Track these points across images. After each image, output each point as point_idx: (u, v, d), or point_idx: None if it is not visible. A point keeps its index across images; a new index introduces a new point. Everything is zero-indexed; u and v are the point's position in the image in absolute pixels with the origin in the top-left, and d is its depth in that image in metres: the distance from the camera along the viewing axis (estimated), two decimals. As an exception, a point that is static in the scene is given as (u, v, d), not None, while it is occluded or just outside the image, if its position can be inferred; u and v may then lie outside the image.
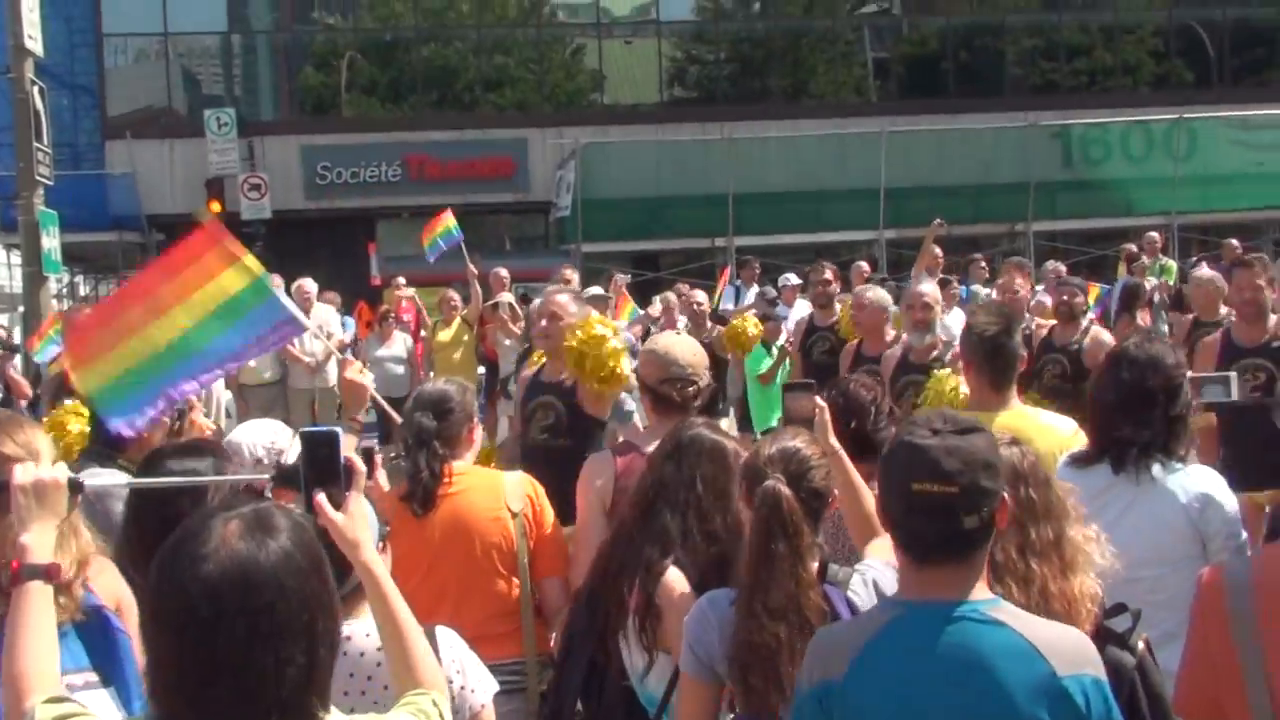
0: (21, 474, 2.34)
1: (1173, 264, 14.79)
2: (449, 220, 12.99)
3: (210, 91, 28.92)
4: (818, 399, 3.53)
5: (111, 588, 3.08)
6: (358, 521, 2.41)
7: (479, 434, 4.42)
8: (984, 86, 28.27)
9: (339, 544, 2.36)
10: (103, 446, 4.08)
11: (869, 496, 3.37)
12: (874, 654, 2.39)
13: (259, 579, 1.89)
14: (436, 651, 2.88)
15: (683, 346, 4.40)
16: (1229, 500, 3.71)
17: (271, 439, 4.05)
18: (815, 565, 2.94)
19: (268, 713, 1.91)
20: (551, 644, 4.05)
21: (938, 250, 11.42)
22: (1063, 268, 13.96)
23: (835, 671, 2.42)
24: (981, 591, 2.41)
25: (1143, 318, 11.05)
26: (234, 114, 25.00)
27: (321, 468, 2.38)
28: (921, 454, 2.35)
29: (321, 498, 2.36)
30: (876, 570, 3.10)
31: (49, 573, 2.26)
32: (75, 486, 2.39)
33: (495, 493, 4.18)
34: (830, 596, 2.91)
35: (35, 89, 14.40)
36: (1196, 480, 3.74)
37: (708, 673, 2.93)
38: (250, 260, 3.80)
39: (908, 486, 2.35)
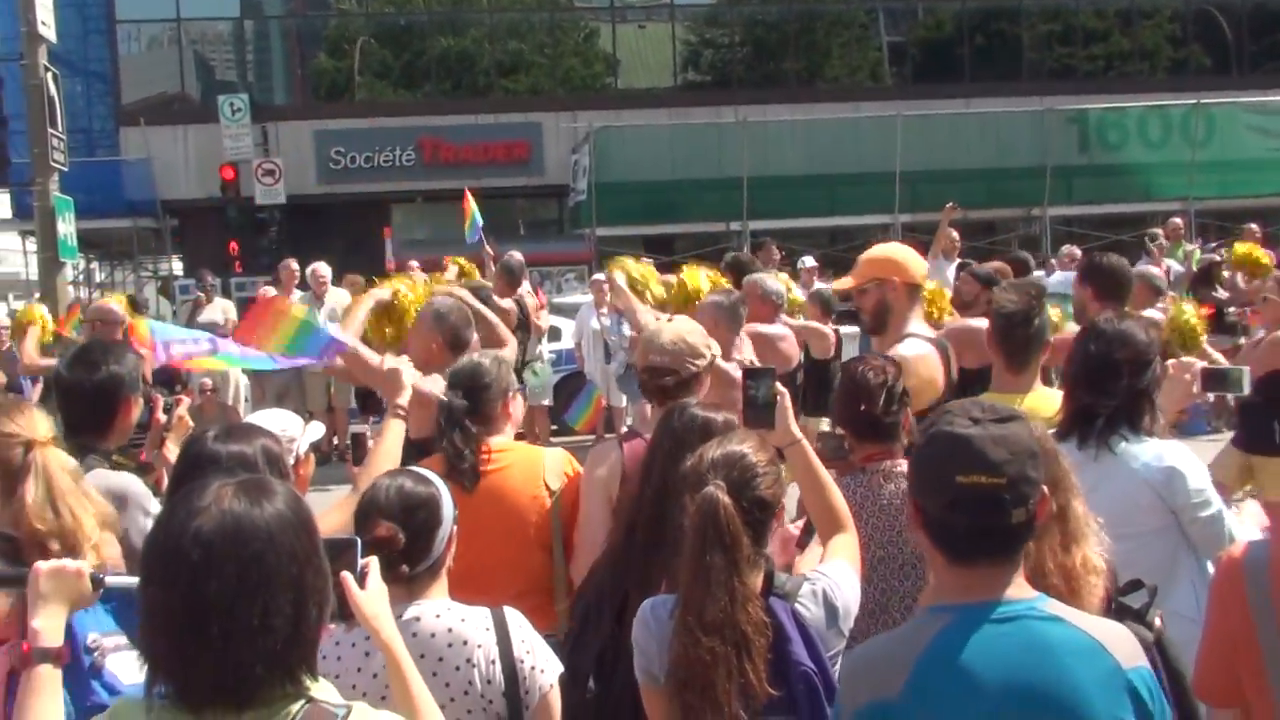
0: (44, 564, 2.44)
1: (1193, 248, 14.68)
2: (473, 203, 13.13)
3: (223, 77, 29.00)
4: (778, 384, 3.38)
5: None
6: (375, 599, 2.52)
7: (517, 407, 4.34)
8: (1000, 70, 28.12)
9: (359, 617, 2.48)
10: (82, 438, 3.97)
11: (833, 489, 3.27)
12: (932, 666, 2.25)
13: (250, 530, 1.97)
14: (505, 631, 2.94)
15: (669, 332, 4.26)
16: (1194, 470, 3.71)
17: (283, 428, 4.05)
18: (758, 577, 2.78)
19: (253, 664, 1.96)
20: None
21: (954, 233, 11.39)
22: (1078, 252, 13.92)
23: (887, 691, 2.27)
24: (1025, 589, 2.31)
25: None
26: (247, 99, 25.02)
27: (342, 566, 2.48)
28: (966, 444, 2.23)
29: (348, 576, 2.46)
30: (827, 580, 2.96)
31: (58, 656, 2.35)
32: (96, 582, 2.49)
33: (534, 470, 4.15)
34: (774, 610, 2.75)
35: (49, 75, 14.43)
36: (1158, 452, 3.72)
37: (654, 679, 2.84)
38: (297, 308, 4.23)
39: (950, 479, 2.22)
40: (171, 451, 4.20)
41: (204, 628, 1.94)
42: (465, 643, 2.91)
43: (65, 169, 14.88)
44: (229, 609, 1.94)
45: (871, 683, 2.33)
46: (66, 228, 14.60)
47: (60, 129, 14.76)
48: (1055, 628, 2.25)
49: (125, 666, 3.00)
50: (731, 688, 2.63)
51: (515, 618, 3.01)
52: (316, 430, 4.00)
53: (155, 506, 3.84)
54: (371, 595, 2.49)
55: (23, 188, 19.52)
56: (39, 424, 3.22)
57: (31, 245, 22.49)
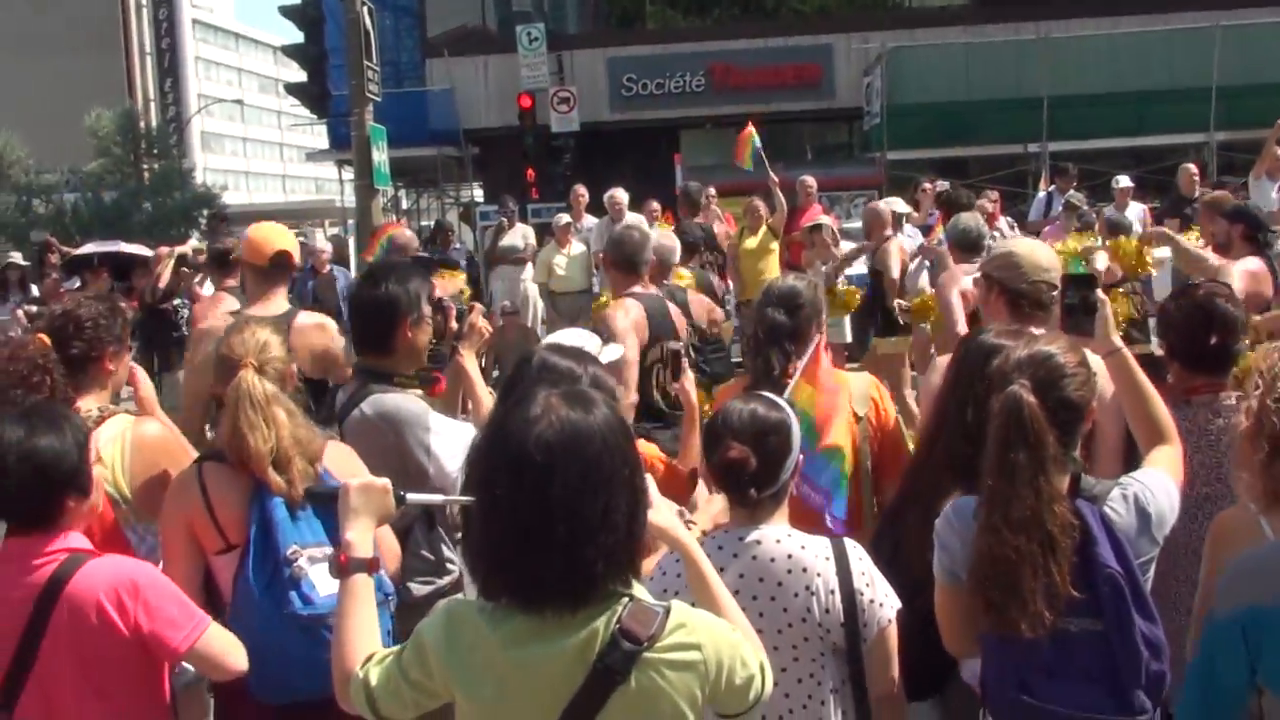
0: (354, 481, 2.59)
1: None
2: (753, 134, 13.11)
3: (520, 8, 29.64)
4: (1099, 292, 3.26)
5: (348, 467, 3.34)
6: (662, 512, 2.58)
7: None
8: (1335, -28, 25.80)
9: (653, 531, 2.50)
10: (366, 357, 4.10)
11: (1156, 400, 3.15)
12: None
13: (586, 434, 2.13)
14: (846, 562, 2.95)
15: (1043, 249, 4.22)
16: None
17: (582, 346, 4.14)
18: (1065, 479, 2.73)
19: (595, 561, 2.10)
20: None
21: (1279, 151, 10.59)
22: None
23: (1268, 597, 2.25)
24: None
25: None
26: (543, 29, 25.54)
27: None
28: None
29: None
30: (1140, 485, 2.86)
31: (370, 566, 2.49)
32: (399, 499, 2.62)
33: (841, 395, 4.08)
34: (1082, 512, 2.69)
35: (364, 9, 15.18)
36: None
37: (955, 578, 2.80)
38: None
39: None
40: (466, 358, 4.25)
41: (550, 528, 2.07)
42: (805, 570, 2.91)
43: (379, 99, 15.65)
44: (575, 509, 2.08)
45: (1254, 588, 2.31)
46: (380, 156, 15.40)
47: (375, 61, 15.52)
48: None
49: (325, 578, 3.17)
50: (1037, 586, 2.59)
51: (855, 549, 3.00)
52: (614, 351, 4.08)
53: (434, 422, 3.94)
54: (658, 509, 2.55)
55: (339, 118, 20.64)
56: (251, 344, 3.39)
57: (347, 174, 23.85)
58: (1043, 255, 4.09)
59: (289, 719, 3.24)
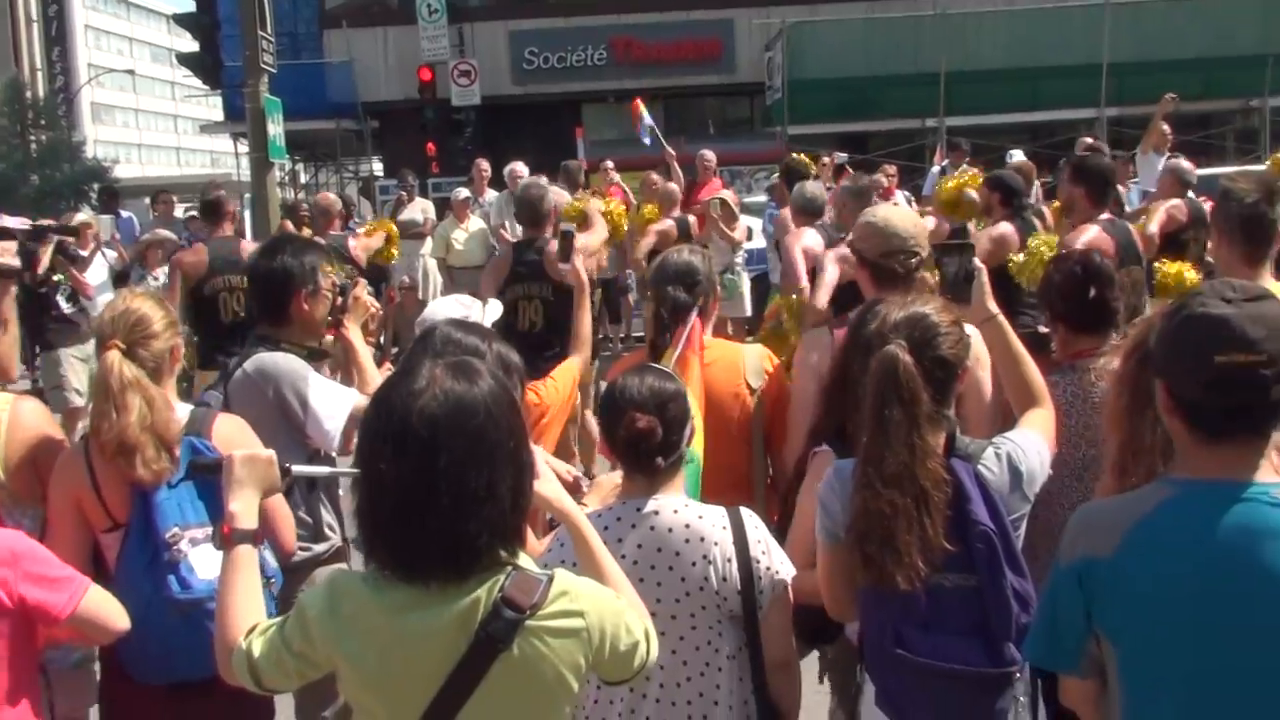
0: (239, 452, 2.57)
1: None
2: (642, 107, 13.34)
3: (421, -22, 29.35)
4: (975, 260, 3.32)
5: (237, 439, 3.30)
6: (547, 482, 2.61)
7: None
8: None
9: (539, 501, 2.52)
10: (262, 327, 4.12)
11: (1030, 365, 3.22)
12: (1148, 532, 2.27)
13: (471, 406, 2.12)
14: (742, 530, 2.97)
15: (902, 216, 4.23)
16: None
17: (465, 313, 4.12)
18: (940, 437, 2.77)
19: (480, 532, 2.10)
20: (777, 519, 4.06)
21: (1166, 128, 10.86)
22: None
23: (1101, 549, 2.31)
24: (1268, 474, 2.26)
25: None
26: (444, 1, 25.33)
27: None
28: (1223, 324, 2.19)
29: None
30: (1013, 444, 2.91)
31: (254, 537, 2.48)
32: (284, 470, 2.61)
33: (735, 367, 4.14)
34: (955, 469, 2.73)
35: (258, -22, 14.87)
36: None
37: (835, 539, 2.84)
38: None
39: (1208, 359, 2.19)
40: (351, 332, 4.23)
41: (434, 500, 2.07)
42: (703, 539, 2.94)
43: (274, 71, 15.37)
44: (458, 481, 2.07)
45: (1088, 539, 2.36)
46: (276, 128, 15.13)
47: (269, 32, 15.24)
48: None
49: (206, 560, 3.15)
50: (911, 540, 2.63)
51: (751, 518, 3.03)
52: (495, 310, 4.07)
53: (314, 378, 3.94)
54: (544, 480, 2.56)
55: (234, 89, 20.25)
56: (121, 323, 3.33)
57: (243, 147, 23.42)
58: (899, 223, 4.11)
59: (171, 699, 3.22)
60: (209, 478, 2.89)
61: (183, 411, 3.42)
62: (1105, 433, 3.14)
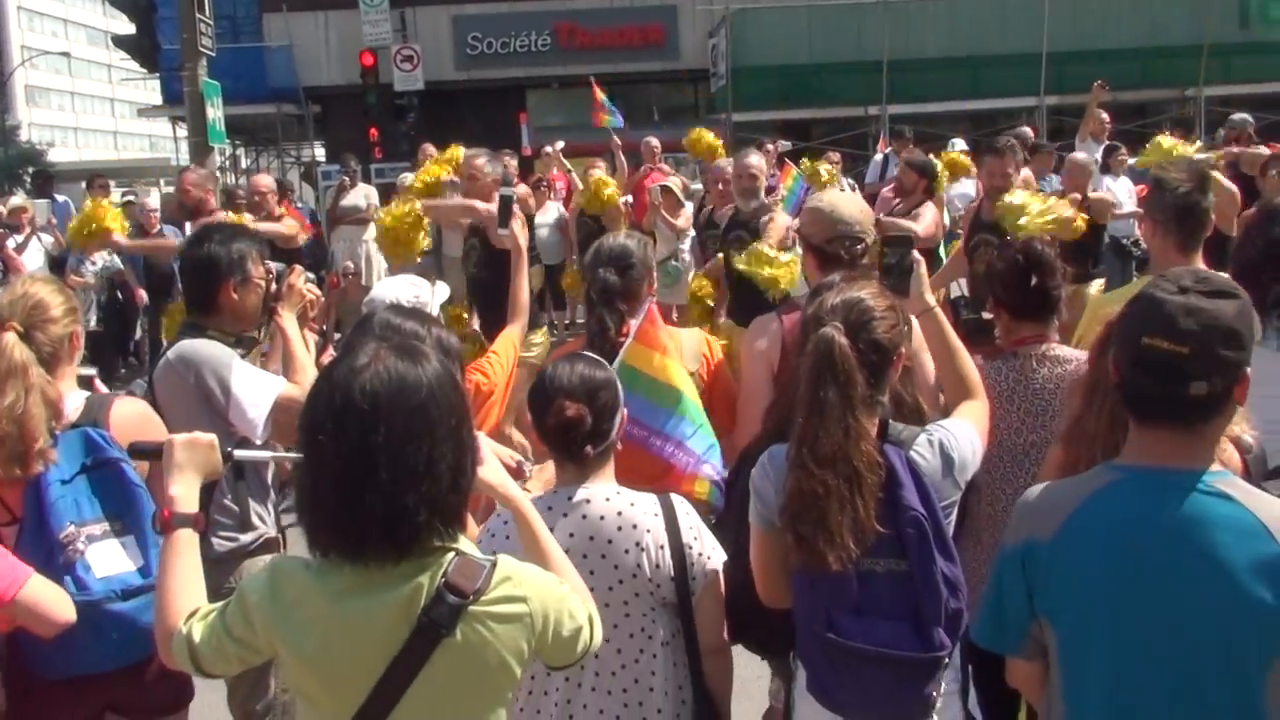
0: (180, 436, 2.54)
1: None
2: (601, 96, 13.38)
3: (362, -38, 29.06)
4: (914, 253, 3.34)
5: (133, 427, 3.25)
6: (492, 468, 2.56)
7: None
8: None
9: (482, 487, 2.48)
10: (192, 315, 4.10)
11: (965, 357, 3.26)
12: (1087, 517, 2.31)
13: (413, 384, 2.12)
14: (674, 517, 2.99)
15: (849, 203, 4.25)
16: None
17: (415, 293, 4.10)
18: (873, 421, 2.78)
19: (418, 509, 2.10)
20: None
21: (1103, 115, 11.02)
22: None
23: (1043, 532, 2.35)
24: (1206, 461, 2.29)
25: None
26: (386, -15, 25.11)
27: None
28: (1158, 309, 2.23)
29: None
30: (945, 431, 2.93)
31: (195, 521, 2.45)
32: (226, 455, 2.60)
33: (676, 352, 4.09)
34: (888, 454, 2.75)
35: (196, -40, 14.66)
36: None
37: (769, 525, 2.87)
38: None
39: (1137, 340, 2.24)
40: (285, 319, 4.18)
41: (373, 472, 2.07)
42: (635, 526, 2.95)
43: (213, 54, 15.19)
44: (397, 454, 2.07)
45: (1032, 522, 2.40)
46: (215, 112, 14.94)
47: (208, 14, 15.04)
48: (1220, 504, 2.22)
49: (104, 557, 3.10)
50: (844, 520, 2.65)
51: (682, 504, 3.05)
52: (444, 291, 4.04)
53: (238, 365, 3.89)
54: (488, 466, 2.54)
55: (172, 72, 19.97)
56: (20, 306, 3.28)
57: (181, 131, 23.10)
58: (845, 209, 4.14)
59: (70, 690, 3.18)
60: (150, 459, 2.86)
61: (78, 400, 3.35)
62: (1062, 404, 3.16)
